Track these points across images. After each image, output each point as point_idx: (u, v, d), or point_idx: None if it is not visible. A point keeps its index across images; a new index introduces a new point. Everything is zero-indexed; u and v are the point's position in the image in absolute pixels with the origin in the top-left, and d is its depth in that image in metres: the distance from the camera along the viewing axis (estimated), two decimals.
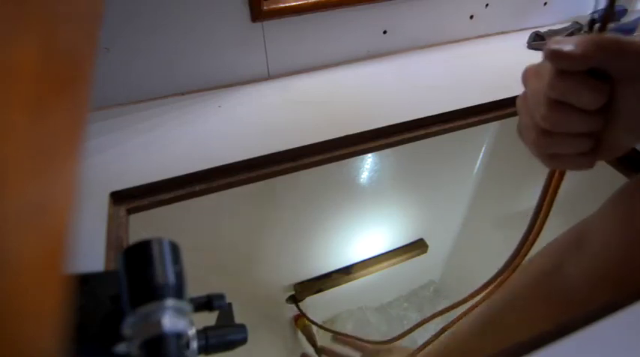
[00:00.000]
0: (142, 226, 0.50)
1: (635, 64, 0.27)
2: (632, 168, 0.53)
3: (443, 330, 0.53)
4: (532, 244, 0.43)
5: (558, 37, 0.30)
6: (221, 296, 0.30)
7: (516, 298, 0.40)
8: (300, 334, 0.94)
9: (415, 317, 1.09)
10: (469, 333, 0.44)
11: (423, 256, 0.95)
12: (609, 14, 0.30)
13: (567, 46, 0.27)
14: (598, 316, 0.23)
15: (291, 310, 0.90)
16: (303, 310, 0.86)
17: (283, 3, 0.62)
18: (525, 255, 0.43)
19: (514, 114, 0.62)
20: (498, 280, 0.46)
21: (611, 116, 0.29)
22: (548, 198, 0.41)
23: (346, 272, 0.88)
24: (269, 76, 0.69)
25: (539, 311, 0.36)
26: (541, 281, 0.37)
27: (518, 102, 0.33)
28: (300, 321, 0.90)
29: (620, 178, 0.54)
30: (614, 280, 0.31)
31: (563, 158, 0.32)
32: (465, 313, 0.49)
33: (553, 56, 0.28)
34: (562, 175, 0.39)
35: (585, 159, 0.31)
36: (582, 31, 0.76)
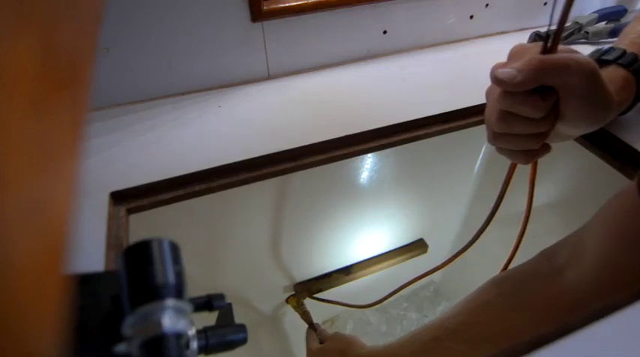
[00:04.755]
0: (142, 226, 0.50)
1: (571, 81, 0.32)
2: (632, 168, 0.53)
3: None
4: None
5: (502, 63, 0.35)
6: (221, 296, 0.30)
7: (513, 297, 0.39)
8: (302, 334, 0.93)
9: (415, 317, 1.09)
10: (451, 332, 0.43)
11: (423, 256, 0.95)
12: (560, 32, 0.33)
13: (509, 72, 0.31)
14: (598, 316, 0.23)
15: (292, 309, 0.90)
16: (306, 310, 0.86)
17: (283, 3, 0.62)
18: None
19: None
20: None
21: (557, 117, 0.34)
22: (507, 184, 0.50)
23: (346, 272, 0.88)
24: (269, 76, 0.69)
25: (538, 312, 0.36)
26: (540, 285, 0.37)
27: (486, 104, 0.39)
28: (292, 300, 0.87)
29: (620, 178, 0.54)
30: (615, 284, 0.31)
31: (507, 152, 0.38)
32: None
33: (496, 82, 0.33)
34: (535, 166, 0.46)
35: (523, 156, 0.37)
36: (583, 31, 0.76)
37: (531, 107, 0.32)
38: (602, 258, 0.32)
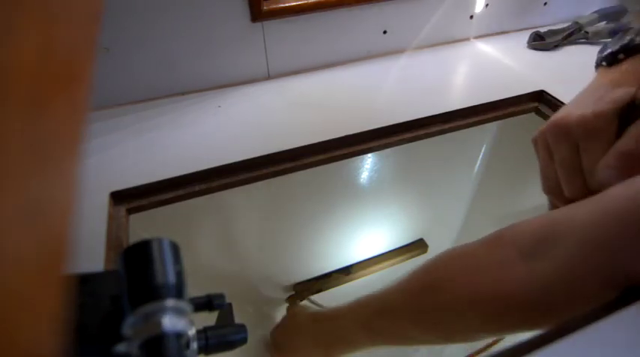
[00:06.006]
0: (142, 226, 0.50)
1: None
2: None
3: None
4: None
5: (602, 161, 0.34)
6: (221, 296, 0.30)
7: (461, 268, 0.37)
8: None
9: None
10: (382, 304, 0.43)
11: (423, 256, 0.94)
12: None
13: (610, 176, 0.33)
14: (598, 316, 0.23)
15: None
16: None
17: (283, 3, 0.62)
18: None
19: (514, 114, 0.62)
20: None
21: None
22: None
23: (346, 272, 0.88)
24: (269, 76, 0.69)
25: (489, 305, 0.33)
26: (497, 273, 0.33)
27: (539, 138, 0.39)
28: (292, 300, 0.88)
29: None
30: (569, 292, 0.28)
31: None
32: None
33: (602, 182, 0.33)
34: None
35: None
36: (583, 31, 0.76)
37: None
38: (584, 253, 0.28)
